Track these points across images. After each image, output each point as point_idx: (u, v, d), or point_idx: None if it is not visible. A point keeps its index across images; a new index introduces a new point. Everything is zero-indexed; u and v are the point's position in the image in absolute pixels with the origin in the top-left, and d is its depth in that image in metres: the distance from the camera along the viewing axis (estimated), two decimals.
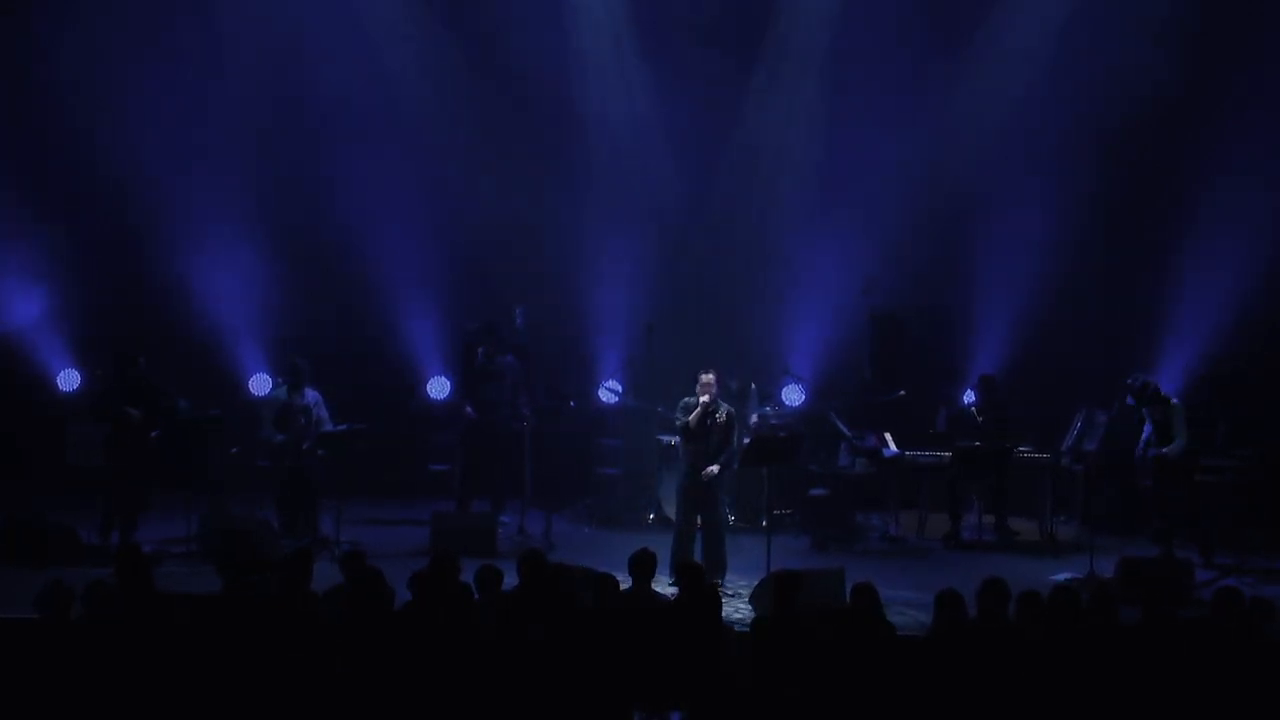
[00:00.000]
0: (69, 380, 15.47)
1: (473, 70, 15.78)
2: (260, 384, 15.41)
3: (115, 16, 15.24)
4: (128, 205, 15.60)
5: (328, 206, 15.78)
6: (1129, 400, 12.82)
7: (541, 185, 15.92)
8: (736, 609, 10.61)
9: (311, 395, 13.23)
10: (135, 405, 12.74)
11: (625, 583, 8.90)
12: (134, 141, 15.38)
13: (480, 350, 14.09)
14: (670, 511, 13.36)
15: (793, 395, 15.01)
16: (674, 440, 13.53)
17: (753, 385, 14.45)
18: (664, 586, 10.27)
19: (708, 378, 11.67)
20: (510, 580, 8.87)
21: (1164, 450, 12.60)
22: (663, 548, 10.45)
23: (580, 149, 15.84)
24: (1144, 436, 12.80)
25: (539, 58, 15.47)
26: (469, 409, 14.05)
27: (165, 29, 15.40)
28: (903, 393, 14.54)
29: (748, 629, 8.91)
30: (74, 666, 7.67)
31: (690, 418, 11.69)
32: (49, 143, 15.57)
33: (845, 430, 14.22)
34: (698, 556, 11.38)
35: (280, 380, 13.79)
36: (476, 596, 8.53)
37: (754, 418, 14.04)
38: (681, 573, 9.06)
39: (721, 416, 11.71)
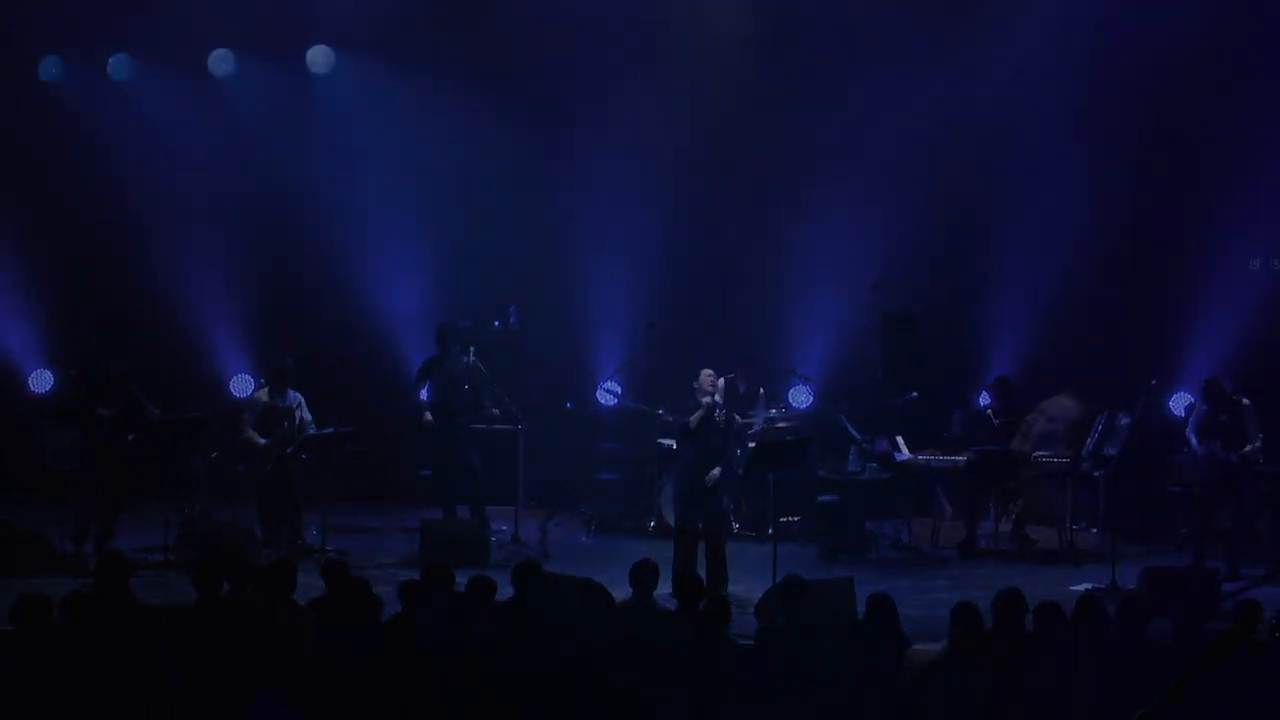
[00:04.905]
0: (41, 381, 15.32)
1: (471, 66, 15.54)
2: (243, 385, 15.25)
3: (94, 15, 15.21)
4: (109, 202, 15.56)
5: (317, 203, 15.60)
6: (1203, 404, 12.49)
7: (539, 181, 15.70)
8: (741, 620, 10.19)
9: (294, 397, 12.95)
10: (108, 407, 12.40)
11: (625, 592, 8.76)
12: (120, 138, 15.49)
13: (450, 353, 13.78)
14: (671, 518, 13.05)
15: (800, 397, 14.82)
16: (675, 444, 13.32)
17: (760, 389, 14.19)
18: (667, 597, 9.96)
19: (707, 374, 11.49)
20: (504, 591, 8.73)
21: (1245, 451, 12.25)
22: (664, 555, 10.32)
23: (579, 145, 15.56)
24: (1195, 443, 12.42)
25: (539, 55, 15.30)
26: (428, 415, 13.66)
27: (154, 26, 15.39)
28: (915, 394, 14.29)
29: (752, 641, 8.67)
30: (53, 677, 7.55)
31: (692, 419, 11.47)
32: (31, 140, 15.60)
33: (855, 434, 13.97)
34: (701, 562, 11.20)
35: (262, 381, 13.49)
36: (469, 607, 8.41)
37: (759, 422, 13.70)
38: (680, 585, 8.82)
39: (720, 417, 11.51)
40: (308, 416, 12.88)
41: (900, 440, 13.76)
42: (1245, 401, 12.37)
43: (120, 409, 12.46)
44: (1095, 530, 13.67)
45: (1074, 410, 13.26)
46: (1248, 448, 12.26)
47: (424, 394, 13.83)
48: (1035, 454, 13.30)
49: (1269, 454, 12.73)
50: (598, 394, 15.06)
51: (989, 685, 7.62)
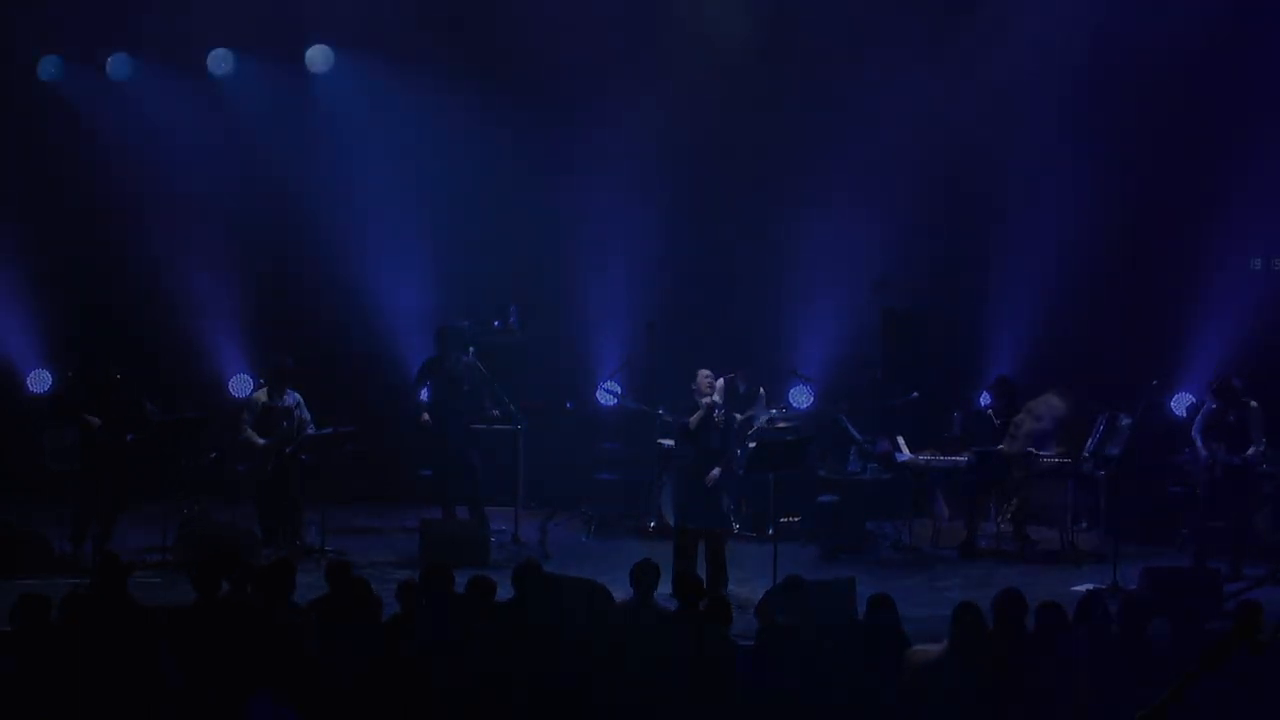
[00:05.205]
0: (40, 381, 15.27)
1: (471, 66, 15.45)
2: (241, 385, 15.22)
3: (94, 15, 15.18)
4: (109, 202, 15.53)
5: (317, 204, 15.53)
6: (1211, 402, 12.47)
7: (539, 181, 15.61)
8: (741, 621, 10.16)
9: (292, 397, 12.90)
10: (101, 407, 12.34)
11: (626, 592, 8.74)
12: (120, 138, 15.44)
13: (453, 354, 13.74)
14: (671, 518, 13.04)
15: (800, 397, 14.74)
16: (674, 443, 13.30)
17: (760, 389, 14.15)
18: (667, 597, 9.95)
19: (705, 375, 11.47)
20: (504, 591, 8.71)
21: (1247, 455, 12.27)
22: (664, 555, 10.27)
23: (579, 145, 15.47)
24: (1200, 443, 12.42)
25: (538, 55, 15.20)
26: (425, 416, 13.65)
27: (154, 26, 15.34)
28: (916, 395, 14.24)
29: (752, 642, 8.61)
30: (52, 677, 7.56)
31: (691, 419, 11.44)
32: (31, 140, 15.58)
33: (855, 434, 13.95)
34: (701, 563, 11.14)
35: (261, 381, 13.44)
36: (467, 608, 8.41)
37: (759, 421, 13.67)
38: (680, 585, 8.79)
39: (719, 417, 11.50)
40: (306, 416, 12.83)
41: (901, 440, 13.69)
42: (1253, 404, 12.37)
43: (117, 410, 12.40)
44: (1096, 530, 13.63)
45: (1061, 409, 13.23)
46: (1251, 451, 12.26)
47: (424, 394, 13.81)
48: (1035, 454, 13.27)
49: (1271, 454, 12.75)
50: (598, 394, 14.97)
51: (989, 685, 7.59)
